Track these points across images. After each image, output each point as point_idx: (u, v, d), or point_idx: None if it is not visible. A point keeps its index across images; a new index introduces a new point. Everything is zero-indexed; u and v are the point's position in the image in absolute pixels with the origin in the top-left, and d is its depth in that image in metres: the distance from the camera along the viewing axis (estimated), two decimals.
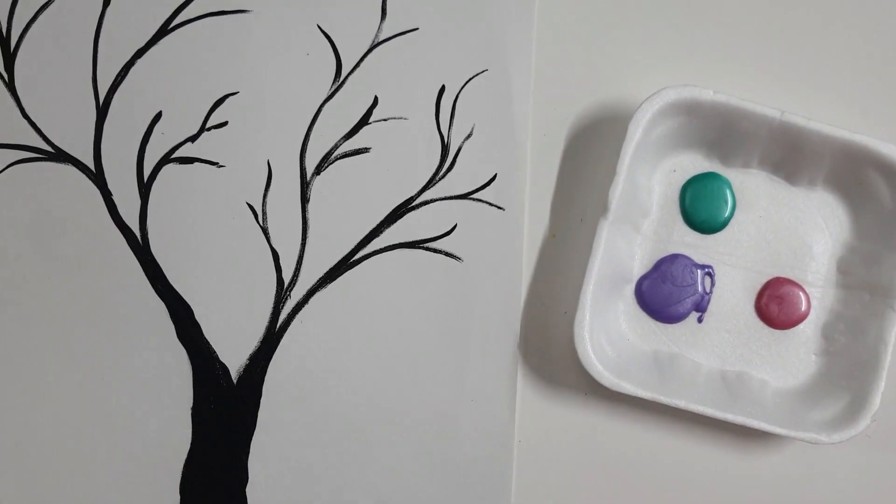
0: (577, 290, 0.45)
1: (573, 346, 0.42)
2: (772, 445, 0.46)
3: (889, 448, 0.46)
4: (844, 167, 0.43)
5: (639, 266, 0.45)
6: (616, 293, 0.44)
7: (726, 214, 0.45)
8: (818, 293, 0.45)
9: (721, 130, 0.43)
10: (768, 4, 0.47)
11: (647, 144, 0.43)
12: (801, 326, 0.45)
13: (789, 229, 0.45)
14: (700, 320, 0.45)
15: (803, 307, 0.44)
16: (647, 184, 0.45)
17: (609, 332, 0.43)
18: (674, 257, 0.45)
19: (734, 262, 0.45)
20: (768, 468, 0.46)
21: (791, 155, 0.43)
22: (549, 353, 0.46)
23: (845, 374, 0.43)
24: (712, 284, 0.45)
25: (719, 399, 0.42)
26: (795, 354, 0.45)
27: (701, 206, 0.45)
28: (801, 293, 0.44)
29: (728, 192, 0.45)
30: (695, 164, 0.45)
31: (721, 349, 0.45)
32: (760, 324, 0.45)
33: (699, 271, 0.45)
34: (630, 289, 0.45)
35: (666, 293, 0.44)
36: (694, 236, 0.45)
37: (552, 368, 0.46)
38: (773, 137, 0.42)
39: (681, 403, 0.41)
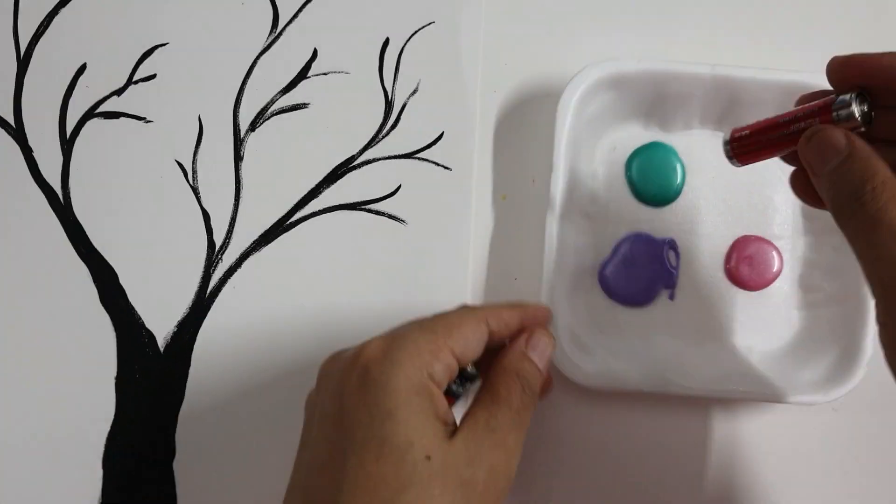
0: (529, 255, 0.42)
1: None
2: (765, 411, 0.42)
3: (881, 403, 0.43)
4: (788, 106, 0.40)
5: (597, 254, 0.42)
6: (579, 287, 0.41)
7: (678, 182, 0.42)
8: (788, 245, 0.42)
9: (654, 97, 0.41)
10: None
11: (580, 127, 0.40)
12: (776, 283, 0.42)
13: (746, 184, 0.42)
14: (671, 297, 0.42)
15: (775, 263, 0.42)
16: (589, 167, 0.42)
17: (580, 329, 0.41)
18: (632, 237, 0.42)
19: (696, 231, 0.42)
20: (764, 434, 0.42)
21: (731, 107, 0.41)
22: None
23: (831, 324, 0.40)
24: (677, 258, 0.42)
25: (707, 376, 0.39)
26: (776, 313, 0.42)
27: (650, 179, 0.42)
28: (770, 248, 0.42)
29: (675, 159, 0.42)
30: (634, 136, 0.43)
31: (699, 323, 0.42)
32: (735, 289, 0.42)
33: (662, 247, 0.42)
34: (591, 280, 0.42)
35: (631, 277, 0.42)
36: (648, 211, 0.42)
37: None
38: (709, 94, 0.40)
39: (671, 390, 0.39)
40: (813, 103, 0.32)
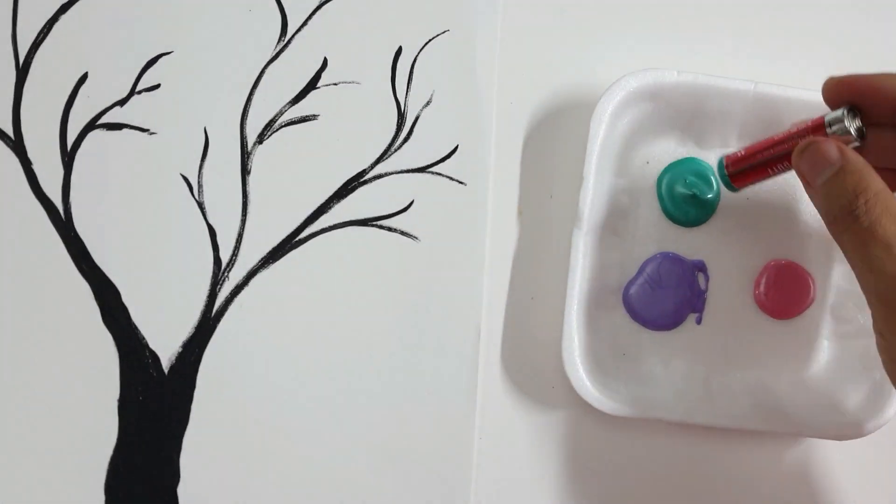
0: (548, 272, 0.41)
1: (554, 359, 0.38)
2: (793, 444, 0.41)
3: None
4: None
5: (623, 272, 0.41)
6: (603, 306, 0.40)
7: (711, 201, 0.40)
8: (821, 272, 0.40)
9: (692, 112, 0.39)
10: None
11: (613, 139, 0.39)
12: (808, 312, 0.40)
13: (780, 207, 0.41)
14: (698, 321, 0.40)
15: (807, 291, 0.40)
16: (619, 182, 0.40)
17: (602, 352, 0.39)
18: (659, 257, 0.40)
19: (726, 253, 0.40)
20: (791, 468, 0.41)
21: (771, 127, 0.39)
22: (513, 341, 0.41)
23: (863, 356, 0.38)
24: (706, 280, 0.40)
25: (733, 406, 0.38)
26: (806, 342, 0.40)
27: (682, 197, 0.40)
28: (802, 275, 0.40)
29: (710, 177, 0.40)
30: (668, 151, 0.41)
31: (726, 350, 0.40)
32: (764, 315, 0.40)
33: (691, 268, 0.40)
34: (616, 299, 0.40)
35: (657, 298, 0.40)
36: (678, 230, 0.41)
37: (517, 357, 0.41)
38: (750, 111, 0.39)
39: (694, 420, 0.37)
40: (808, 120, 0.33)
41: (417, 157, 0.42)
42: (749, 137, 0.40)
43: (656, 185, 0.41)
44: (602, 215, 0.40)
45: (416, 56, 0.42)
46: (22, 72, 0.41)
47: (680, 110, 0.39)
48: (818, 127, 0.33)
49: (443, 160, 0.42)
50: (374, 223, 0.41)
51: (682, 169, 0.40)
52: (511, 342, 0.41)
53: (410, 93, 0.42)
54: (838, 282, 0.40)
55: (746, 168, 0.36)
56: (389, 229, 0.41)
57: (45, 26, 0.41)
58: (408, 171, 0.42)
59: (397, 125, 0.42)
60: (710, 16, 0.43)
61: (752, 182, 0.36)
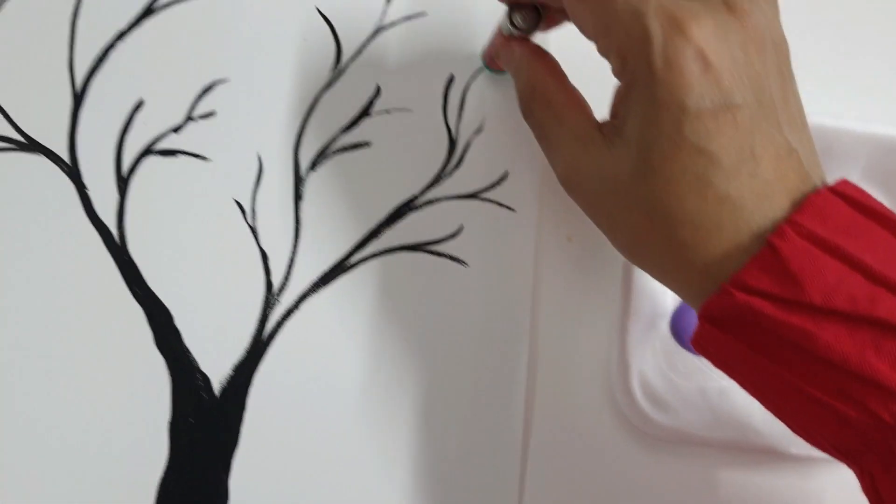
0: (597, 297, 0.41)
1: (601, 381, 0.38)
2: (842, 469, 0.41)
3: None
4: (882, 161, 0.39)
5: (672, 299, 0.41)
6: (652, 331, 0.40)
7: None
8: None
9: None
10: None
11: None
12: None
13: None
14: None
15: None
16: None
17: (652, 376, 0.39)
18: None
19: None
20: (848, 491, 0.41)
21: (822, 157, 0.39)
22: (561, 366, 0.42)
23: None
24: None
25: (776, 430, 0.38)
26: None
27: None
28: None
29: None
30: None
31: None
32: None
33: None
34: (665, 324, 0.41)
35: None
36: None
37: (564, 380, 0.42)
38: None
39: (744, 442, 0.37)
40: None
41: (467, 184, 0.42)
42: None
43: None
44: None
45: (468, 84, 0.43)
46: (78, 98, 0.41)
47: None
48: (499, 30, 0.38)
49: (492, 186, 0.42)
50: (424, 248, 0.42)
51: None
52: (558, 365, 0.42)
53: (462, 121, 0.42)
54: None
55: (493, 59, 0.40)
56: (439, 254, 0.42)
57: (101, 53, 0.42)
58: (458, 196, 0.42)
59: (448, 152, 0.42)
60: None
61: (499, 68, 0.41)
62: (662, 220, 0.29)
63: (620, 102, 0.30)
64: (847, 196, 0.28)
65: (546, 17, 0.35)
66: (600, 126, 0.32)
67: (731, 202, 0.27)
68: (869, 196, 0.28)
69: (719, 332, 0.28)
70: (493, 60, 0.40)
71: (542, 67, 0.34)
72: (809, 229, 0.26)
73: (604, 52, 0.31)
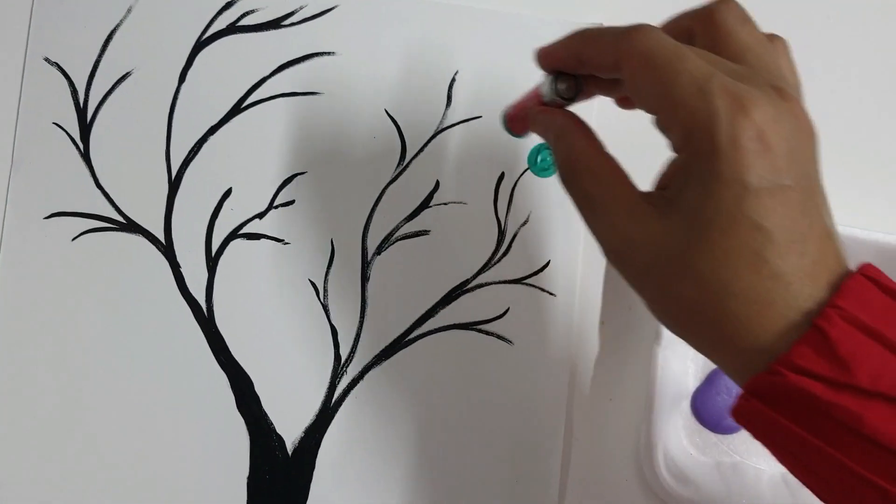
0: (627, 377, 0.46)
1: (629, 455, 0.43)
2: None
3: None
4: (884, 267, 0.43)
5: (693, 380, 0.46)
6: (675, 410, 0.46)
7: None
8: None
9: None
10: None
11: None
12: None
13: None
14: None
15: None
16: None
17: (676, 452, 0.45)
18: None
19: None
20: None
21: None
22: (592, 437, 0.47)
23: None
24: None
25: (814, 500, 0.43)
26: None
27: None
28: None
29: None
30: None
31: None
32: None
33: None
34: (686, 404, 0.46)
35: (721, 405, 0.46)
36: None
37: (597, 455, 0.47)
38: None
39: None
40: (531, 89, 0.37)
41: (514, 270, 0.48)
42: None
43: None
44: None
45: (517, 181, 0.48)
46: (174, 185, 0.46)
47: None
48: (536, 93, 0.36)
49: (536, 273, 0.48)
50: (474, 327, 0.47)
51: None
52: (590, 439, 0.47)
53: (510, 213, 0.48)
54: None
55: (517, 122, 0.39)
56: (487, 333, 0.47)
57: (195, 145, 0.47)
58: (505, 281, 0.47)
59: (497, 241, 0.48)
60: None
61: (526, 130, 0.39)
62: (715, 292, 0.29)
63: (675, 175, 0.30)
64: (877, 281, 0.29)
65: (587, 87, 0.35)
66: (646, 196, 0.31)
67: (782, 279, 0.28)
68: (892, 280, 0.30)
69: (766, 407, 0.28)
70: (516, 123, 0.40)
71: (584, 136, 0.34)
72: (853, 314, 0.27)
73: (664, 125, 0.31)
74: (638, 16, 0.33)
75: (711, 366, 0.46)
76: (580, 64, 0.33)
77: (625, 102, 0.36)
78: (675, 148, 0.30)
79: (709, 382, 0.46)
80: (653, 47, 0.30)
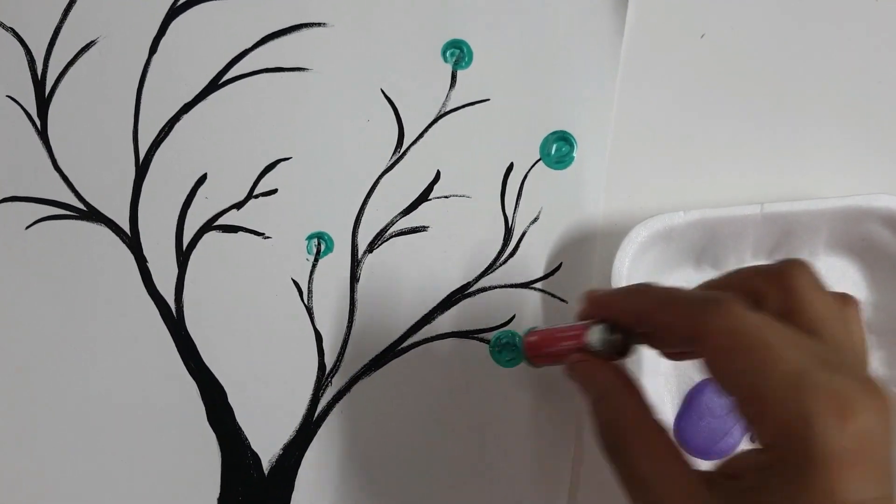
0: None
1: None
2: None
3: None
4: (843, 231, 0.41)
5: (671, 407, 0.42)
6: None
7: None
8: None
9: (705, 241, 0.41)
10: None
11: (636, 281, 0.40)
12: None
13: None
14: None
15: None
16: None
17: None
18: (701, 386, 0.41)
19: None
20: None
21: (785, 239, 0.41)
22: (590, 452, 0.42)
23: None
24: None
25: None
26: None
27: None
28: None
29: None
30: (687, 279, 0.42)
31: None
32: None
33: None
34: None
35: (708, 429, 0.41)
36: None
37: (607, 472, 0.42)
38: (760, 231, 0.40)
39: None
40: (574, 326, 0.32)
41: (521, 273, 0.43)
42: (764, 251, 0.42)
43: None
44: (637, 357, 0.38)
45: (527, 173, 0.43)
46: (141, 169, 0.41)
47: (694, 243, 0.41)
48: (579, 336, 0.32)
49: (546, 277, 0.43)
50: (476, 336, 0.42)
51: None
52: (601, 465, 0.42)
53: (519, 209, 0.43)
54: (878, 369, 0.41)
55: (542, 355, 0.35)
56: (489, 342, 0.42)
57: (165, 125, 0.42)
58: (511, 285, 0.42)
59: (504, 240, 0.43)
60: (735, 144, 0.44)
61: (549, 364, 0.35)
62: None
63: (753, 468, 0.28)
64: None
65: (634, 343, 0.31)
66: (706, 480, 0.28)
67: None
68: None
69: None
70: (540, 357, 0.36)
71: (635, 401, 0.30)
72: None
73: (748, 415, 0.28)
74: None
75: (686, 388, 0.41)
76: (643, 324, 0.30)
77: (675, 356, 0.33)
78: (760, 441, 0.27)
79: (688, 406, 0.41)
80: (739, 327, 0.27)
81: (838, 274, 0.42)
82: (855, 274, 0.42)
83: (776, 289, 0.29)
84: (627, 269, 0.40)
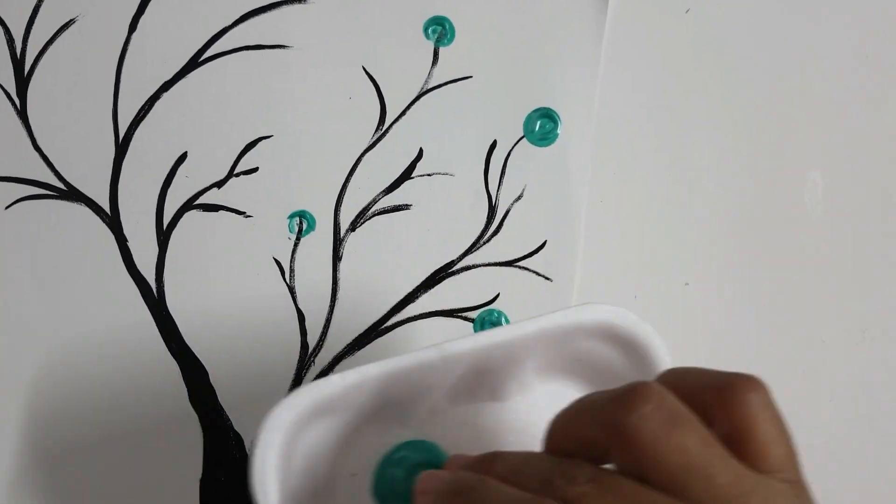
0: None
1: None
2: None
3: None
4: (553, 355, 0.32)
5: None
6: None
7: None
8: None
9: (384, 396, 0.31)
10: None
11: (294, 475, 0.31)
12: None
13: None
14: None
15: None
16: None
17: None
18: None
19: None
20: None
21: (482, 377, 0.32)
22: None
23: None
24: None
25: None
26: None
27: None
28: None
29: (434, 449, 0.32)
30: (382, 440, 0.32)
31: None
32: None
33: None
34: None
35: None
36: None
37: None
38: (448, 374, 0.31)
39: None
40: None
41: (505, 251, 0.42)
42: (462, 395, 0.33)
43: (375, 478, 0.32)
44: None
45: (511, 150, 0.42)
46: (121, 148, 0.41)
47: (372, 399, 0.31)
48: None
49: (530, 255, 0.42)
50: (459, 315, 0.42)
51: (404, 460, 0.32)
52: None
53: (502, 187, 0.42)
54: None
55: None
56: (473, 321, 0.42)
57: (145, 103, 0.41)
58: (495, 263, 0.42)
59: (487, 218, 0.42)
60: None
61: None
62: None
63: None
64: None
65: None
66: None
67: None
68: None
69: None
70: None
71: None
72: None
73: None
74: None
75: None
76: None
77: None
78: None
79: None
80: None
81: (560, 402, 0.27)
82: (577, 395, 0.28)
83: (723, 410, 0.25)
84: (277, 469, 0.30)
